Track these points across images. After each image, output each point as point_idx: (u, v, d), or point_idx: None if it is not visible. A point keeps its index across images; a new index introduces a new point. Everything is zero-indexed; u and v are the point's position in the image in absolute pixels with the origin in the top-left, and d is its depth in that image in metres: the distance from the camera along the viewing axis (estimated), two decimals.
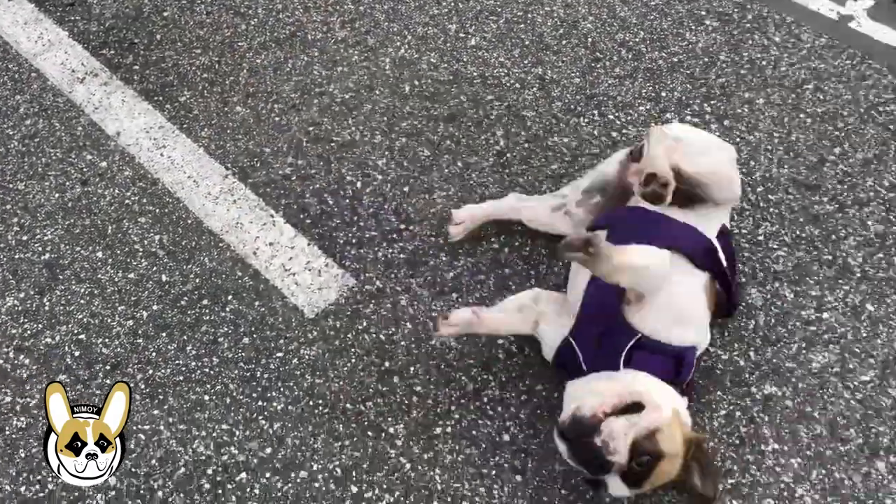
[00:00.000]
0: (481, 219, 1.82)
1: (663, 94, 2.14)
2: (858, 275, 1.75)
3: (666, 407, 1.35)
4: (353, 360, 1.71)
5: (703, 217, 1.55)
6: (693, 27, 2.30)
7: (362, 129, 2.13)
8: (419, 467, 1.56)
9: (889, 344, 1.64)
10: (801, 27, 2.28)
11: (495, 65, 2.26)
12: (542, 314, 1.56)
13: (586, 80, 2.20)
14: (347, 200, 1.98)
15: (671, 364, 1.44)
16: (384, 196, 1.98)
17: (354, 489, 1.54)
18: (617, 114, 2.11)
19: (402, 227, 1.92)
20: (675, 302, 1.42)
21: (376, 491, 1.54)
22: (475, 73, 2.24)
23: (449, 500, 1.52)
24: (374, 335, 1.74)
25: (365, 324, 1.76)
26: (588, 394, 1.36)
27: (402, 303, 1.79)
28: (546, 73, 2.23)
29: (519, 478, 1.54)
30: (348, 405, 1.65)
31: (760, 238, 1.83)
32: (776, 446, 1.53)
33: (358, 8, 2.47)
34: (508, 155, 2.04)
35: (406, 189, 1.99)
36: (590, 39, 2.31)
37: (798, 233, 1.84)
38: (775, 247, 1.81)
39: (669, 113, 2.09)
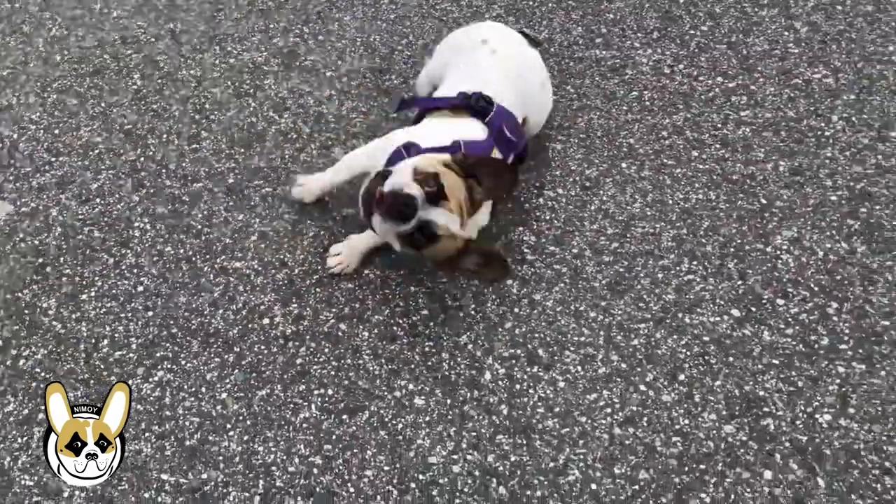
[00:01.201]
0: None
1: (272, 25, 2.56)
2: None
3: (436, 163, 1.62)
4: (12, 264, 1.98)
5: None
6: None
7: (18, 95, 2.40)
8: (68, 325, 1.85)
9: None
10: None
11: (134, 28, 2.60)
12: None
13: (210, 25, 2.58)
14: (6, 150, 2.25)
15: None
16: (38, 140, 2.26)
17: (14, 352, 1.81)
18: (235, 45, 2.50)
19: (53, 159, 2.21)
20: None
21: (32, 349, 1.82)
22: (117, 37, 2.57)
23: (93, 341, 1.82)
24: (29, 242, 2.02)
25: (22, 235, 2.04)
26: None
27: (52, 214, 2.08)
28: (177, 27, 2.59)
29: (150, 313, 1.87)
30: (7, 296, 1.92)
31: (344, 112, 2.26)
32: None
33: (14, 5, 2.74)
34: (144, 91, 2.38)
35: (57, 132, 2.28)
36: None
37: (372, 104, 2.28)
38: (353, 116, 2.25)
39: (277, 38, 2.50)
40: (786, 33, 2.35)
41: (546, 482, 1.51)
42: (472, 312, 1.78)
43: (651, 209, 1.94)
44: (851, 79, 2.20)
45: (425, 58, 2.23)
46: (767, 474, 1.50)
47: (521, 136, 1.84)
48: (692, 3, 2.48)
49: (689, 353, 1.68)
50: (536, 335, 1.73)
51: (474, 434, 1.59)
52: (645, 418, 1.59)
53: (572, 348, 1.70)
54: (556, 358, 1.69)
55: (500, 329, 1.75)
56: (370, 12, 2.55)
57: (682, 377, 1.65)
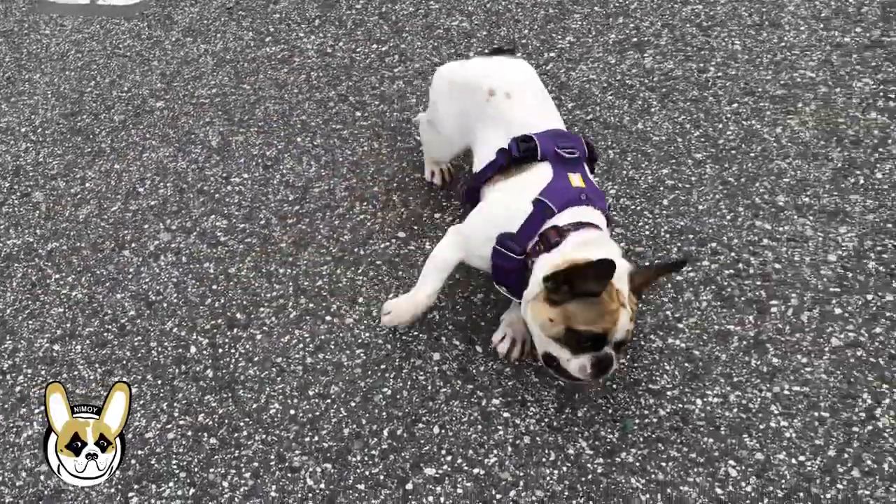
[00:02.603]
0: None
1: None
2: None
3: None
4: None
5: None
6: None
7: None
8: None
9: None
10: (63, 17, 2.87)
11: None
12: None
13: None
14: None
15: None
16: None
17: None
18: None
19: None
20: None
21: None
22: None
23: None
24: None
25: None
26: None
27: None
28: None
29: None
30: None
31: (41, 159, 2.35)
32: None
33: None
34: None
35: None
36: None
37: (67, 145, 2.38)
38: (50, 160, 2.34)
39: None
40: None
41: (251, 422, 1.66)
42: (175, 300, 1.91)
43: (325, 170, 2.14)
44: (483, 18, 2.49)
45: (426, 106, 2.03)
46: (436, 356, 1.71)
47: (575, 137, 1.64)
48: None
49: (365, 278, 1.88)
50: (234, 302, 1.88)
51: (185, 402, 1.72)
52: (332, 342, 1.77)
53: (266, 304, 1.87)
54: (252, 316, 1.85)
55: (200, 307, 1.89)
56: (58, 65, 2.65)
57: (360, 300, 1.84)
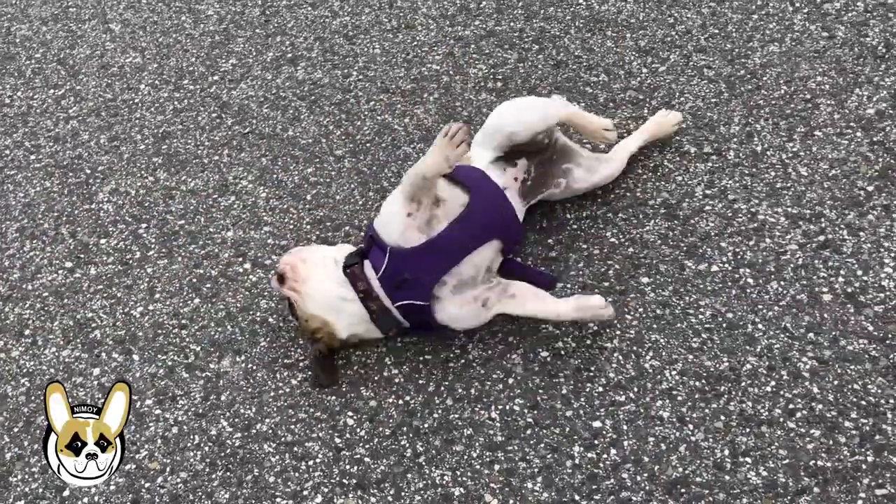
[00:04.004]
0: None
1: None
2: None
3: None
4: None
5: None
6: None
7: None
8: None
9: None
10: None
11: None
12: None
13: None
14: None
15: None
16: None
17: None
18: None
19: None
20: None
21: None
22: None
23: None
24: None
25: None
26: None
27: None
28: None
29: None
30: None
31: None
32: None
33: None
34: None
35: None
36: None
37: None
38: None
39: None
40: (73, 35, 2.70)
41: None
42: None
43: None
44: (154, 52, 2.60)
45: None
46: (96, 371, 1.81)
47: None
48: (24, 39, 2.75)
49: (32, 311, 1.95)
50: None
51: None
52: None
53: None
54: None
55: None
56: None
57: (27, 332, 1.91)
